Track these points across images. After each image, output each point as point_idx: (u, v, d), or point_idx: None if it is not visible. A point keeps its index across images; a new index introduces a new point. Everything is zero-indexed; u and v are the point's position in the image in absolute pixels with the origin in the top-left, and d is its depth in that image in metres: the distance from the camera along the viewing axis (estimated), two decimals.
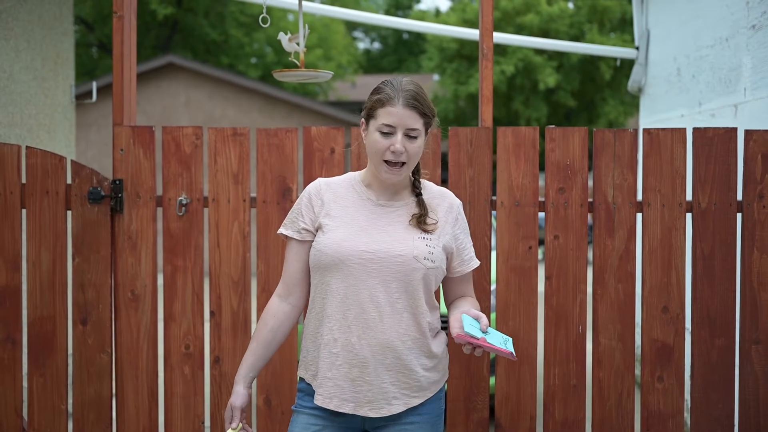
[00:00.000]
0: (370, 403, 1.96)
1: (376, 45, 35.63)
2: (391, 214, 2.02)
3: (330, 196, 2.05)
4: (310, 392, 2.03)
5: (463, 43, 19.12)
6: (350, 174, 2.13)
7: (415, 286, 1.96)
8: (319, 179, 2.10)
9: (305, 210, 2.06)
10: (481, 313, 1.95)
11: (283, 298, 2.08)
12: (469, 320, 1.91)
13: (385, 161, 1.96)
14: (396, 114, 1.93)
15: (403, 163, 1.96)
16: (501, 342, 1.92)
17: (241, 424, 2.02)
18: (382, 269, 1.95)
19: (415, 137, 1.95)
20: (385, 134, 1.94)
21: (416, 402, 2.00)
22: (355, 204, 2.03)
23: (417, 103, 1.94)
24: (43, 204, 2.69)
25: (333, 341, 1.97)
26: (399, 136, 1.94)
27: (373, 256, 1.95)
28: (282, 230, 2.09)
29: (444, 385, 2.11)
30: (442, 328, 2.11)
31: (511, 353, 1.90)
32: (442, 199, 2.09)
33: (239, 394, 2.03)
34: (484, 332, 1.90)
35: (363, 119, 2.02)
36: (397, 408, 1.97)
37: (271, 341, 2.06)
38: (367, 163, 2.07)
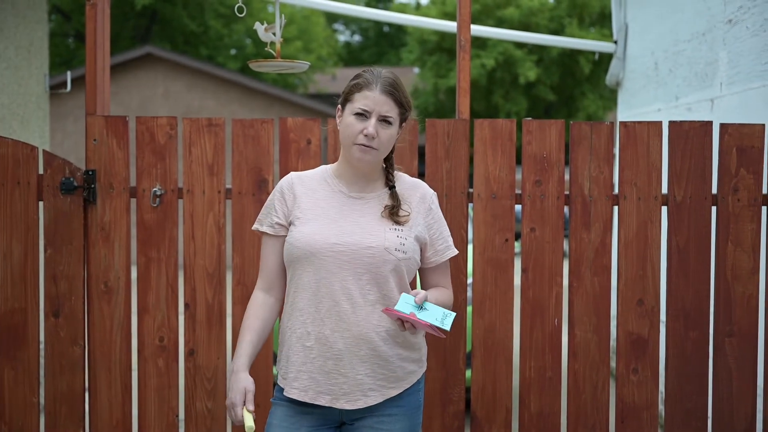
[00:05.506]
0: (347, 395, 1.96)
1: (357, 38, 35.52)
2: (363, 207, 2.01)
3: (302, 189, 2.05)
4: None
5: (443, 36, 19.11)
6: (323, 167, 2.13)
7: (386, 277, 1.96)
8: (291, 173, 2.11)
9: (278, 204, 2.05)
10: (420, 290, 1.92)
11: (266, 291, 2.08)
12: (406, 298, 1.90)
13: (357, 144, 1.95)
14: (372, 98, 1.93)
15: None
16: (438, 318, 1.89)
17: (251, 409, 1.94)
18: (354, 261, 1.94)
19: (390, 123, 1.96)
20: (359, 116, 1.94)
21: (393, 393, 2.00)
22: (327, 197, 2.03)
23: (394, 90, 1.95)
24: (14, 194, 2.64)
25: (306, 334, 1.97)
26: (373, 120, 1.94)
27: (344, 248, 1.94)
28: (256, 226, 2.09)
29: (422, 377, 2.10)
30: None
31: (440, 330, 1.89)
32: (414, 190, 2.08)
33: (249, 380, 1.96)
34: (420, 307, 1.88)
35: (339, 105, 2.02)
36: (373, 399, 1.97)
37: (263, 331, 2.05)
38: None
